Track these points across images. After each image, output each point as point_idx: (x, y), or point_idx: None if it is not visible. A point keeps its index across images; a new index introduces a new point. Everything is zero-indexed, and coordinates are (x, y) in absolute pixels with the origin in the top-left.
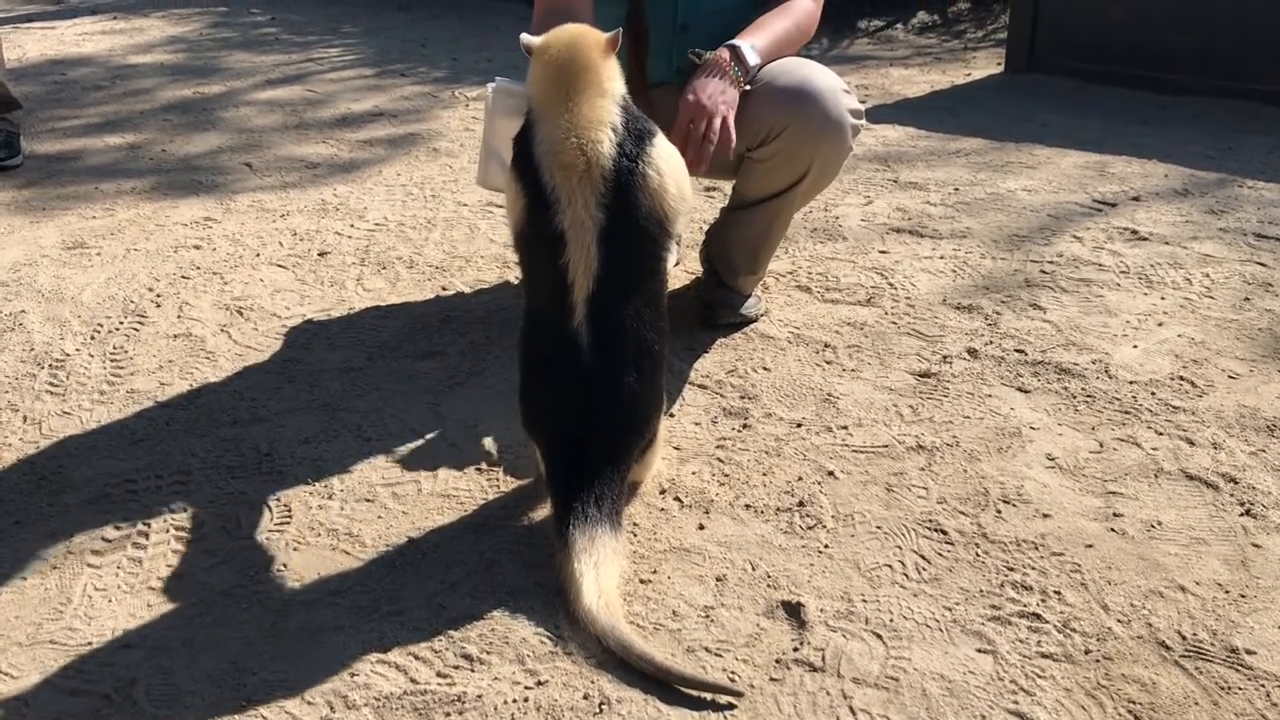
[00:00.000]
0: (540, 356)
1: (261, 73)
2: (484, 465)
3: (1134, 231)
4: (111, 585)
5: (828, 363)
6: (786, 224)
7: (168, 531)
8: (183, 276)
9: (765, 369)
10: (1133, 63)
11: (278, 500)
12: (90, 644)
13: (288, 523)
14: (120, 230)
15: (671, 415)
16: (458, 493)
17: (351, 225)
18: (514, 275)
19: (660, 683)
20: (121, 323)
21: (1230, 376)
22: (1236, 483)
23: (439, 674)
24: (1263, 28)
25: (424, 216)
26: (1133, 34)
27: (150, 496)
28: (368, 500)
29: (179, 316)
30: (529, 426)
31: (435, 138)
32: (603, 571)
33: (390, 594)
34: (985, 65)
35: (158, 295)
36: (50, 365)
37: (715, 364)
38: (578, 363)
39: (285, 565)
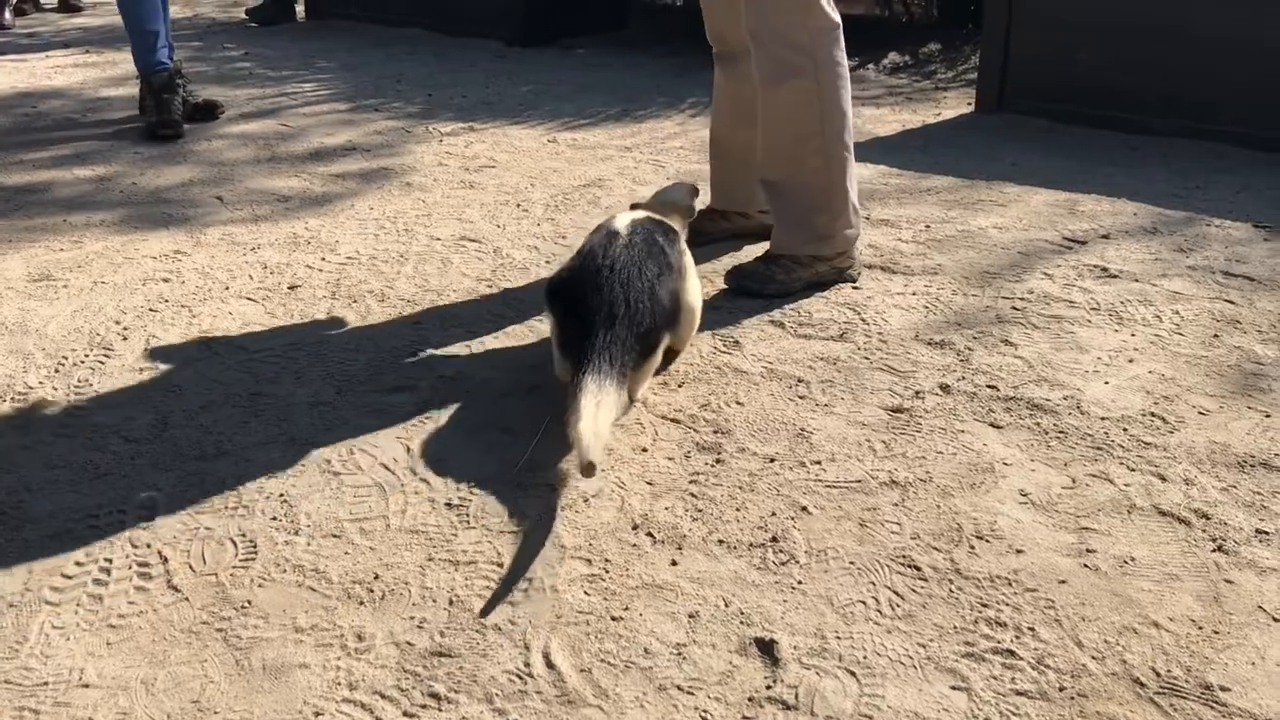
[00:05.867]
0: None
1: (234, 106)
2: (454, 501)
3: (1104, 269)
4: (70, 623)
5: (801, 398)
6: (762, 146)
7: (130, 568)
8: (150, 309)
9: (738, 404)
10: (1102, 104)
11: (243, 536)
12: (46, 683)
13: (253, 559)
14: (88, 263)
15: (645, 450)
16: (427, 528)
17: (323, 259)
18: (487, 309)
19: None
20: (87, 355)
21: (1200, 413)
22: (1208, 518)
23: (405, 713)
24: (1229, 71)
25: (396, 250)
26: (1102, 75)
27: (113, 531)
28: (335, 536)
29: (146, 350)
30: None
31: (408, 172)
32: (601, 411)
33: (356, 631)
34: (956, 105)
35: (124, 328)
36: (12, 398)
37: (688, 398)
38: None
39: (250, 602)
